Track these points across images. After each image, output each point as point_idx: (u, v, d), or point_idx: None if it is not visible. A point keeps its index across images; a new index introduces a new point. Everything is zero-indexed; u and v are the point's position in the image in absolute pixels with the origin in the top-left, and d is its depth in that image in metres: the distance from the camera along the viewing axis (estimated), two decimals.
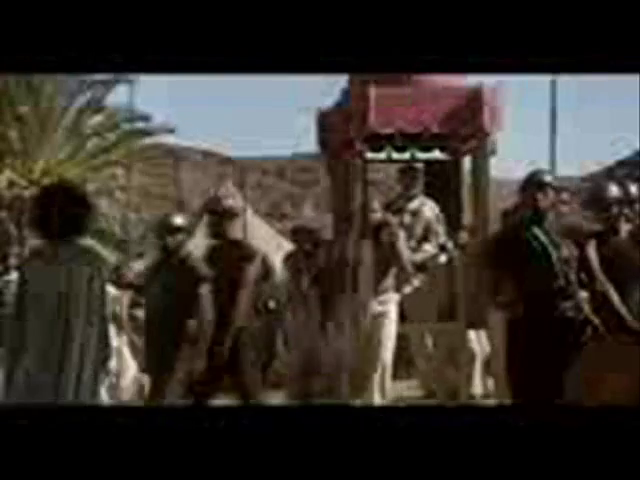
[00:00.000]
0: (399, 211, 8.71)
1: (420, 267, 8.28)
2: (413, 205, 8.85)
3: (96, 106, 19.82)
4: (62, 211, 4.83)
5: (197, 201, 25.84)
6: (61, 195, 4.92)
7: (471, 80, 8.42)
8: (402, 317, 7.94)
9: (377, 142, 8.87)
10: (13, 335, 4.86)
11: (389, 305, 7.52)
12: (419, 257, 8.43)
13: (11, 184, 18.38)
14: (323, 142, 9.07)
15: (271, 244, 14.26)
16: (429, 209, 8.88)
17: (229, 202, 6.84)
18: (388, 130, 8.38)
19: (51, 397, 4.63)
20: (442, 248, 8.58)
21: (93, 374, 4.76)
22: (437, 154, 9.43)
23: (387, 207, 8.71)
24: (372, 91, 8.18)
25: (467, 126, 8.39)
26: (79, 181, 16.98)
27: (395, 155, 9.46)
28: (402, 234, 7.59)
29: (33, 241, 5.25)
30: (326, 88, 8.99)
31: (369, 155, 9.06)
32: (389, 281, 7.55)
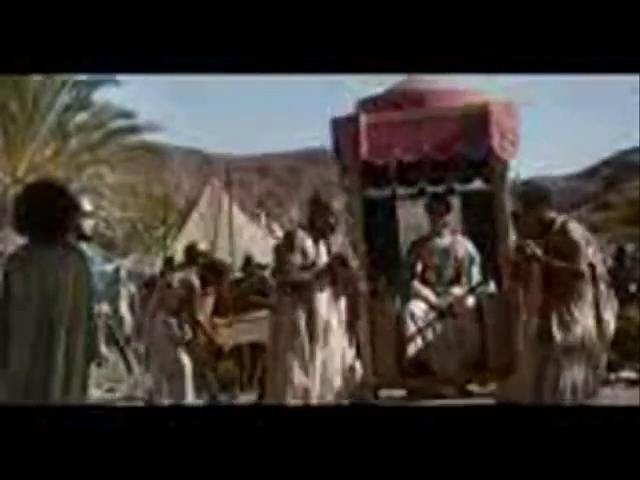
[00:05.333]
0: (428, 251, 7.98)
1: (445, 313, 7.61)
2: (443, 243, 8.04)
3: (81, 104, 19.76)
4: (46, 210, 4.77)
5: (181, 199, 25.81)
6: (45, 194, 4.85)
7: (477, 100, 7.58)
8: (425, 368, 7.42)
9: (378, 177, 8.08)
10: None
11: None
12: (444, 302, 7.69)
13: None
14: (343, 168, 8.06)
15: (259, 243, 14.23)
16: (461, 248, 8.05)
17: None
18: (383, 160, 7.58)
19: (39, 396, 4.59)
20: (472, 291, 7.76)
21: (81, 374, 4.71)
22: (477, 184, 8.35)
23: (414, 246, 8.17)
24: (363, 118, 7.47)
25: (474, 151, 7.48)
26: (64, 179, 16.91)
27: (400, 190, 8.51)
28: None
29: (17, 240, 5.20)
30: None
31: (372, 192, 8.26)
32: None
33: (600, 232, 28.59)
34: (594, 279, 6.06)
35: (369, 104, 7.82)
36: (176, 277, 9.28)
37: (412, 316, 7.60)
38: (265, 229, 18.94)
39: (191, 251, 10.50)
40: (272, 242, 15.08)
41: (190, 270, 9.38)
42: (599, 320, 6.06)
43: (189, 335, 9.19)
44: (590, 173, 47.00)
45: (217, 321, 9.71)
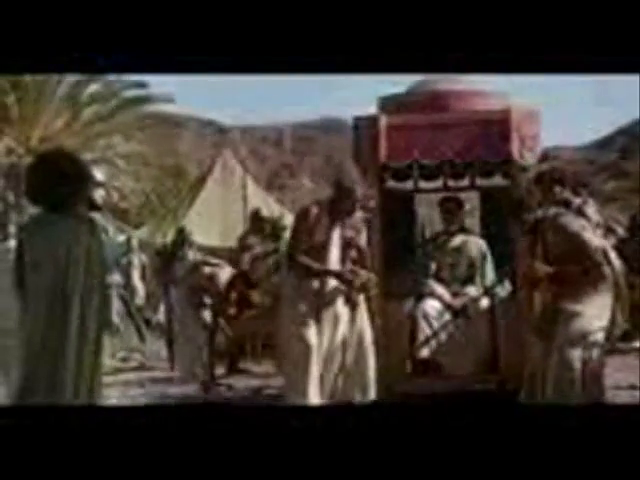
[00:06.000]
0: (441, 249, 8.01)
1: (459, 313, 7.61)
2: (455, 242, 8.04)
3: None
4: (57, 180, 4.78)
5: (194, 170, 25.80)
6: (56, 164, 4.86)
7: (500, 104, 7.56)
8: (437, 369, 7.46)
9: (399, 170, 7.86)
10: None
11: None
12: (458, 302, 7.69)
13: (9, 151, 18.30)
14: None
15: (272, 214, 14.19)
16: (474, 246, 8.03)
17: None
18: (402, 162, 7.49)
19: (52, 362, 4.61)
20: (486, 291, 7.76)
21: (94, 344, 4.73)
22: (497, 180, 7.96)
23: (427, 243, 8.18)
24: (383, 119, 7.46)
25: (493, 155, 7.41)
26: (77, 149, 16.91)
27: (422, 184, 8.16)
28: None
29: (31, 209, 5.24)
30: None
31: (391, 184, 8.01)
32: None
33: (613, 201, 28.45)
34: (608, 261, 6.00)
35: (390, 104, 7.72)
36: (206, 269, 9.28)
37: (425, 316, 7.59)
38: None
39: (255, 217, 10.41)
40: (285, 214, 15.08)
41: (222, 266, 9.39)
42: (618, 298, 6.01)
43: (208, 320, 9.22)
44: (604, 143, 46.72)
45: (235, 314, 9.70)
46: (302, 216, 6.73)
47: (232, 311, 9.47)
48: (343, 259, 6.70)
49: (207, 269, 9.57)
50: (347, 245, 6.71)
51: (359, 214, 6.82)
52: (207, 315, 9.56)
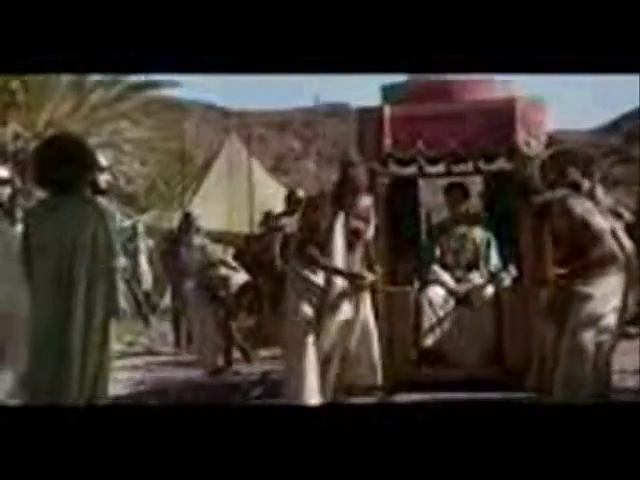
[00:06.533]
0: (446, 235, 8.07)
1: (462, 300, 7.65)
2: (461, 228, 8.11)
3: None
4: (63, 162, 4.78)
5: (200, 154, 25.79)
6: (62, 149, 4.86)
7: (504, 93, 7.58)
8: (442, 358, 7.48)
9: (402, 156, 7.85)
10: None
11: None
12: (462, 288, 7.75)
13: (16, 136, 18.29)
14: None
15: (279, 200, 14.20)
16: (479, 232, 8.09)
17: None
18: (406, 153, 7.51)
19: (59, 346, 4.61)
20: (491, 278, 7.80)
21: (101, 329, 4.74)
22: (501, 163, 7.99)
23: (433, 230, 8.22)
24: (387, 110, 7.46)
25: (498, 146, 7.43)
26: (82, 134, 16.90)
27: (426, 169, 8.15)
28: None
29: (38, 193, 5.26)
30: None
31: (395, 169, 8.04)
32: None
33: (621, 185, 28.40)
34: (619, 243, 5.98)
35: (394, 95, 7.70)
36: (222, 270, 9.28)
37: (430, 303, 7.60)
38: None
39: (291, 198, 10.40)
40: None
41: (238, 270, 9.40)
42: (630, 280, 5.98)
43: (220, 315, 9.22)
44: (610, 127, 46.57)
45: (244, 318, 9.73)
46: (307, 206, 6.71)
47: (242, 315, 9.52)
48: (350, 249, 6.61)
49: (223, 270, 9.62)
50: (354, 236, 6.65)
51: (367, 203, 6.73)
52: (218, 310, 9.58)
